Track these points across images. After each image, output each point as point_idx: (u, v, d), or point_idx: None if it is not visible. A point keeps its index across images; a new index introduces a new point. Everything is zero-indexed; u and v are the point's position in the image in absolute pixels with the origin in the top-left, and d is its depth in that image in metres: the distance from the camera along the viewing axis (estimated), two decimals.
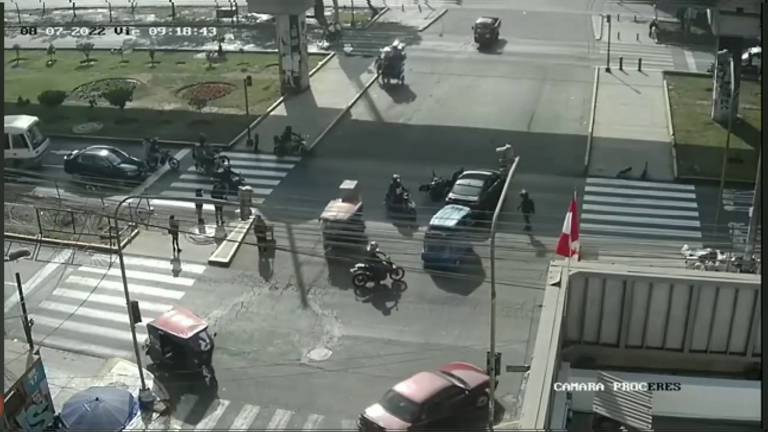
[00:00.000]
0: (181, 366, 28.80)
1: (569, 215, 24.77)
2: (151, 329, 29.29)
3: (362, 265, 33.81)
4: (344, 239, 34.79)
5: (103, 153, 43.66)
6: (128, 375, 29.09)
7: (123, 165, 43.14)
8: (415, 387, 26.66)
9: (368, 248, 33.98)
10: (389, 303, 33.24)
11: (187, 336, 28.49)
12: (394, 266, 33.90)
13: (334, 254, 35.08)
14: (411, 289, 33.72)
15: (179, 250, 36.60)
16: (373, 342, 30.73)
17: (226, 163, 42.42)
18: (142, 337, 29.51)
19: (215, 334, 29.67)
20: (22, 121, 45.49)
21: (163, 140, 45.82)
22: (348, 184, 37.26)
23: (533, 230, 36.39)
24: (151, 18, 71.90)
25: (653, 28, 63.97)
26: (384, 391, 27.09)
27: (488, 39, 61.82)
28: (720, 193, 36.75)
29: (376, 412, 26.28)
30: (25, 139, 44.32)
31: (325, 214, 35.64)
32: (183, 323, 29.17)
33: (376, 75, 55.70)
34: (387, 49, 55.62)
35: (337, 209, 35.93)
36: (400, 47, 55.88)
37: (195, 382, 28.84)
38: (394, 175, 38.81)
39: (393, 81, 54.78)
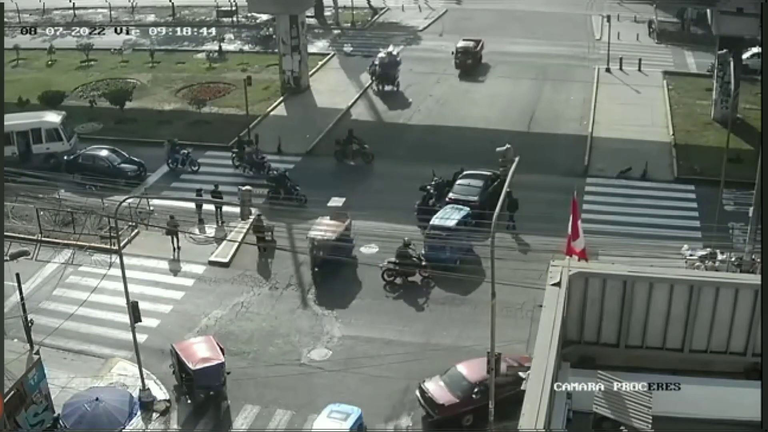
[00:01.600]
0: (191, 394, 28.04)
1: (571, 217, 24.71)
2: (172, 351, 28.56)
3: (392, 260, 33.74)
4: (332, 259, 33.76)
5: (104, 153, 43.68)
6: (128, 375, 29.09)
7: (123, 165, 43.14)
8: (474, 367, 27.02)
9: (401, 244, 33.74)
10: (389, 303, 33.24)
11: (194, 367, 27.50)
12: (423, 263, 33.82)
13: (321, 276, 34.07)
14: (411, 289, 33.72)
15: (179, 248, 36.62)
16: (373, 342, 30.73)
17: (281, 168, 41.35)
18: (142, 337, 29.56)
19: (229, 372, 28.21)
20: (52, 116, 46.26)
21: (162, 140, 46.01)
22: (336, 201, 35.75)
23: (518, 229, 36.38)
24: (151, 18, 71.98)
25: (653, 27, 63.95)
26: (387, 391, 27.42)
27: (470, 65, 56.71)
28: (720, 193, 36.74)
29: (433, 384, 26.93)
30: (60, 132, 44.91)
31: (312, 233, 34.38)
32: (199, 354, 27.97)
33: (370, 81, 54.71)
34: (381, 54, 54.49)
35: (325, 228, 34.56)
36: (395, 53, 54.71)
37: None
38: (428, 187, 38.52)
39: (388, 88, 53.60)
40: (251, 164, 43.10)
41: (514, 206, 36.64)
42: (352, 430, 25.53)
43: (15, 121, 44.46)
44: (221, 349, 28.59)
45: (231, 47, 63.50)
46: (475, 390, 26.51)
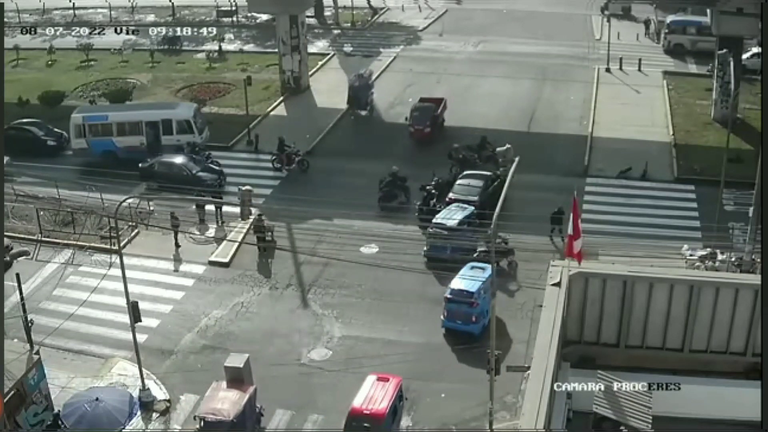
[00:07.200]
0: None
1: (572, 217, 24.72)
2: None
3: (483, 248, 33.19)
4: None
5: (179, 160, 42.12)
6: (128, 375, 29.10)
7: (201, 174, 41.56)
8: None
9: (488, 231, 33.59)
10: (389, 303, 33.23)
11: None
12: (509, 246, 33.65)
13: None
14: (412, 289, 33.67)
15: (178, 245, 36.67)
16: (373, 342, 30.73)
17: (394, 168, 39.58)
18: (142, 337, 29.57)
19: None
20: (184, 108, 46.59)
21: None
22: (234, 361, 27.05)
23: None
24: (151, 18, 71.96)
25: (651, 27, 63.90)
26: None
27: (428, 134, 45.81)
28: (720, 193, 36.72)
29: None
30: (191, 124, 44.95)
31: (202, 410, 25.76)
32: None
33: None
34: (351, 77, 51.96)
35: (220, 401, 25.83)
36: (366, 75, 51.93)
37: (195, 381, 28.91)
38: (428, 187, 38.44)
39: (361, 112, 50.08)
40: (288, 164, 43.13)
41: (558, 222, 35.68)
42: (487, 279, 29.81)
43: (145, 110, 45.62)
44: None
45: (231, 47, 63.50)
46: None
